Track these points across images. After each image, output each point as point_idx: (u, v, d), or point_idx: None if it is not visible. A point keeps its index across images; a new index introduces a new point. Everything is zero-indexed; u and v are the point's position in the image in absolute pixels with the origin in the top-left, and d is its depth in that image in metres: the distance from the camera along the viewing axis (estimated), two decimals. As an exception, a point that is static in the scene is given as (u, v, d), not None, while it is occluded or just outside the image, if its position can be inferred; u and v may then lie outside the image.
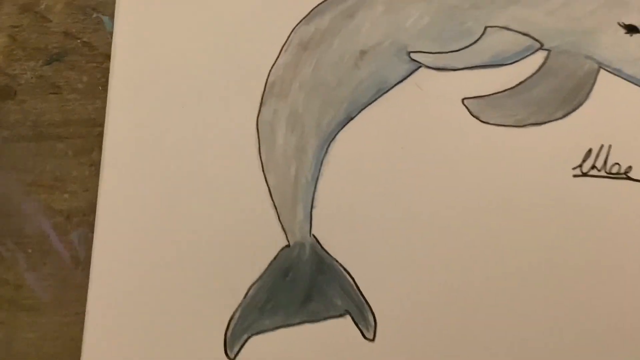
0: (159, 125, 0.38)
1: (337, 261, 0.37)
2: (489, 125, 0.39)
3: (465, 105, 0.39)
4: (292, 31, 0.40)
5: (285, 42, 0.40)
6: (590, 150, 0.38)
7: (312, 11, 0.40)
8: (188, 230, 0.37)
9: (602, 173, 0.38)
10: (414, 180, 0.38)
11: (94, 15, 0.39)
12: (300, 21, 0.40)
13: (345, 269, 0.37)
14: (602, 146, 0.38)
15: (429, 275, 0.37)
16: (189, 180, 0.37)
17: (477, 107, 0.39)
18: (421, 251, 0.37)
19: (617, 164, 0.38)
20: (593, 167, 0.38)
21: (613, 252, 0.37)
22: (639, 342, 0.36)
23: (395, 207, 0.37)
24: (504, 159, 0.38)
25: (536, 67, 0.40)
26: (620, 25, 0.40)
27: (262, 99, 0.39)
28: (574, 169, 0.38)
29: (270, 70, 0.39)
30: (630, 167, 0.38)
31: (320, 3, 0.40)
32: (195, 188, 0.37)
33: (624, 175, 0.38)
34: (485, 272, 0.37)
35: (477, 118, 0.39)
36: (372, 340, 0.36)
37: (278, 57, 0.39)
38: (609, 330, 0.36)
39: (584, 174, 0.38)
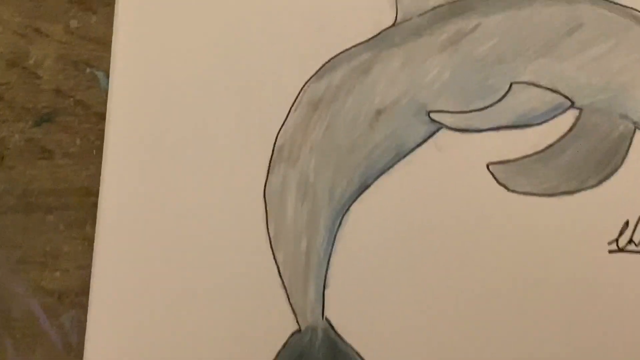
0: (158, 196, 0.35)
1: (352, 348, 0.34)
2: (516, 194, 0.36)
3: (490, 171, 0.36)
4: (301, 89, 0.37)
5: (295, 100, 0.37)
6: (627, 222, 0.35)
7: (323, 66, 0.37)
8: (189, 315, 0.34)
9: (640, 248, 0.35)
10: (437, 256, 0.35)
11: (88, 70, 0.36)
12: (311, 78, 0.37)
13: (361, 357, 0.34)
14: (639, 218, 0.35)
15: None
16: (190, 259, 0.34)
17: (504, 173, 0.36)
18: (446, 338, 0.34)
19: (656, 237, 0.35)
20: (630, 241, 0.35)
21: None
22: None
23: (417, 287, 0.34)
24: (533, 232, 0.35)
25: (567, 127, 0.37)
26: (657, 80, 0.37)
27: (269, 164, 0.36)
28: (609, 243, 0.35)
29: (278, 132, 0.36)
30: (670, 241, 0.35)
31: (332, 57, 0.37)
32: (197, 267, 0.34)
33: (664, 251, 0.35)
34: (516, 358, 0.34)
35: (504, 186, 0.36)
36: None
37: (287, 117, 0.36)
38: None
39: (621, 249, 0.35)
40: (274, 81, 0.37)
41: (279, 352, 0.34)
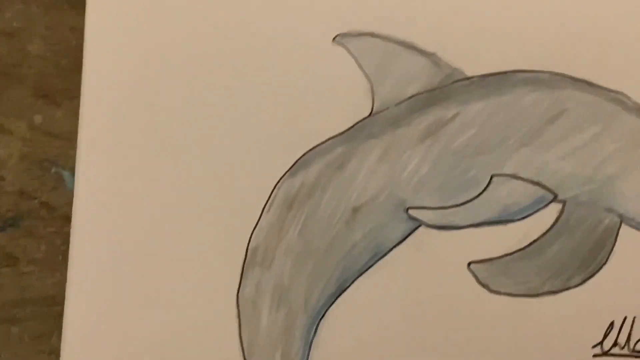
0: (127, 307, 0.34)
1: None
2: (498, 295, 0.35)
3: (471, 271, 0.35)
4: (275, 186, 0.36)
5: (268, 199, 0.36)
6: (612, 324, 0.34)
7: (297, 162, 0.36)
8: None
9: (626, 351, 0.34)
10: (417, 363, 0.34)
11: (53, 170, 0.35)
12: (284, 174, 0.36)
13: None
14: (625, 318, 0.34)
15: None
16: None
17: (485, 273, 0.35)
18: None
19: (643, 340, 0.34)
20: (615, 344, 0.34)
21: None
22: None
23: (395, 398, 0.33)
24: (515, 335, 0.34)
25: (549, 222, 0.36)
26: (644, 169, 0.36)
27: (242, 269, 0.35)
28: (593, 347, 0.34)
29: (251, 234, 0.35)
30: (658, 344, 0.34)
31: (307, 152, 0.36)
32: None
33: (651, 355, 0.34)
34: None
35: (485, 287, 0.35)
36: None
37: (260, 217, 0.35)
38: None
39: (605, 353, 0.34)
40: (246, 179, 0.35)
41: None
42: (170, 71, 0.36)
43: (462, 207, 0.35)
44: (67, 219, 0.34)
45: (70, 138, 0.35)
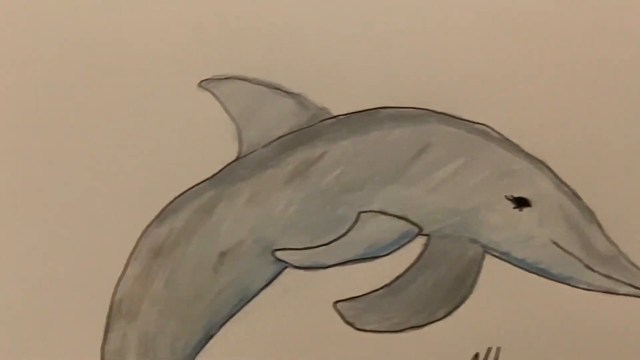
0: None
1: None
2: (364, 332, 0.35)
3: (337, 310, 0.35)
4: (141, 235, 0.36)
5: (134, 248, 0.36)
6: (477, 356, 0.35)
7: (165, 209, 0.36)
8: None
9: (491, 382, 0.34)
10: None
11: None
12: (151, 222, 0.36)
13: None
14: (489, 349, 0.35)
15: None
16: None
17: (351, 311, 0.35)
18: None
19: (507, 369, 0.35)
20: (480, 375, 0.35)
21: None
22: None
23: None
24: (382, 372, 0.35)
25: (415, 257, 0.36)
26: (508, 199, 0.37)
27: (107, 322, 0.34)
28: (458, 380, 0.35)
29: (117, 286, 0.35)
30: (521, 373, 0.34)
31: (175, 199, 0.36)
32: None
33: (515, 384, 0.34)
34: None
35: (351, 325, 0.35)
36: None
37: (126, 267, 0.35)
38: None
39: (470, 386, 0.34)
40: (111, 228, 0.35)
41: None
42: (33, 123, 0.36)
43: (328, 246, 0.36)
44: None
45: None
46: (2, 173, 0.36)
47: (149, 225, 0.35)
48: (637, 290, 0.35)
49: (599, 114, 0.38)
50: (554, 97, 0.38)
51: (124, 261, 0.35)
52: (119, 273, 0.35)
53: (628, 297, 0.35)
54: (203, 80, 0.38)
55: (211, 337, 0.34)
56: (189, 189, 0.36)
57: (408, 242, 0.36)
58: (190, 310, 0.35)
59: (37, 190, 0.35)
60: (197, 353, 0.34)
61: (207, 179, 0.36)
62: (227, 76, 0.38)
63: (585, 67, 0.38)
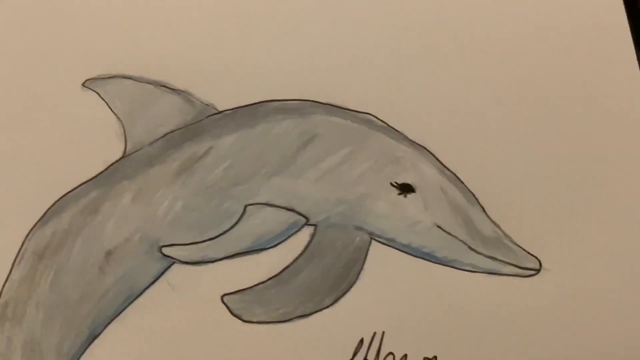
0: None
1: None
2: (252, 324, 0.35)
3: (225, 303, 0.36)
4: (25, 238, 0.35)
5: (19, 251, 0.35)
6: (361, 341, 0.35)
7: (49, 210, 0.36)
8: None
9: (376, 366, 0.35)
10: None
11: None
12: (35, 224, 0.35)
13: None
14: (374, 334, 0.35)
15: None
16: None
17: (238, 304, 0.35)
18: None
19: (392, 353, 0.35)
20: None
21: None
22: None
23: None
24: (270, 361, 0.35)
25: (302, 247, 0.37)
26: (393, 185, 0.37)
27: (-8, 326, 0.35)
28: (343, 365, 0.35)
29: (1, 289, 0.35)
30: (405, 356, 0.35)
31: (58, 199, 0.36)
32: None
33: (399, 367, 0.35)
34: None
35: (238, 317, 0.35)
36: None
37: (10, 271, 0.35)
38: None
39: (355, 370, 0.35)
40: (-5, 232, 0.35)
41: None
42: None
43: (215, 240, 0.36)
44: None
45: None
46: None
47: (32, 228, 0.36)
48: (520, 270, 0.36)
49: (478, 99, 0.38)
50: (434, 83, 0.39)
51: (9, 264, 0.35)
52: (4, 276, 0.35)
53: (511, 277, 0.36)
54: (87, 80, 0.38)
55: (96, 337, 0.34)
56: (72, 190, 0.36)
57: (295, 232, 0.36)
58: (76, 311, 0.35)
59: None
60: (82, 354, 0.34)
61: (92, 179, 0.36)
62: (112, 75, 0.38)
63: (461, 51, 0.39)
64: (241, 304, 0.35)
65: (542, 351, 0.35)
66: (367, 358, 0.35)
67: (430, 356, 0.35)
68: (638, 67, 0.39)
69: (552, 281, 0.36)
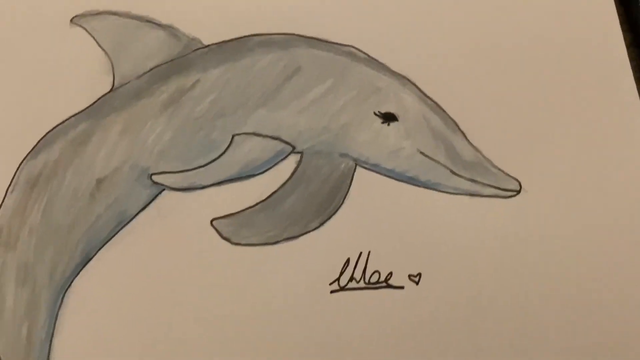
0: None
1: None
2: (241, 247, 0.36)
3: (214, 227, 0.36)
4: (18, 168, 0.36)
5: (11, 181, 0.36)
6: (348, 260, 0.36)
7: (40, 142, 0.36)
8: None
9: (362, 284, 0.36)
10: (167, 328, 0.35)
11: None
12: (27, 155, 0.36)
13: None
14: (360, 254, 0.36)
15: None
16: None
17: (227, 228, 0.36)
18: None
19: (377, 271, 0.36)
20: (352, 278, 0.36)
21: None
22: None
23: None
24: (258, 282, 0.35)
25: (289, 173, 0.38)
26: (376, 114, 0.38)
27: (-14, 252, 0.35)
28: (330, 284, 0.36)
29: (-5, 217, 0.36)
30: (390, 274, 0.36)
31: (49, 131, 0.37)
32: None
33: (384, 284, 0.36)
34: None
35: (228, 240, 0.36)
36: None
37: (4, 199, 0.36)
38: None
39: (342, 288, 0.36)
40: (-13, 163, 0.36)
41: None
42: None
43: (204, 167, 0.37)
44: None
45: None
46: None
47: (24, 158, 0.36)
48: (501, 192, 0.37)
49: (456, 28, 0.40)
50: (414, 16, 0.40)
51: (2, 193, 0.36)
52: (-3, 205, 0.36)
53: (492, 199, 0.37)
54: (75, 16, 0.39)
55: (88, 261, 0.35)
56: (63, 122, 0.37)
57: (282, 160, 0.37)
58: (68, 237, 0.35)
59: None
60: (75, 277, 0.35)
61: (81, 111, 0.37)
62: (99, 11, 0.39)
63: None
64: (230, 228, 0.36)
65: (521, 267, 0.36)
66: (354, 276, 0.36)
67: (415, 273, 0.36)
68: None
69: (531, 202, 0.37)
